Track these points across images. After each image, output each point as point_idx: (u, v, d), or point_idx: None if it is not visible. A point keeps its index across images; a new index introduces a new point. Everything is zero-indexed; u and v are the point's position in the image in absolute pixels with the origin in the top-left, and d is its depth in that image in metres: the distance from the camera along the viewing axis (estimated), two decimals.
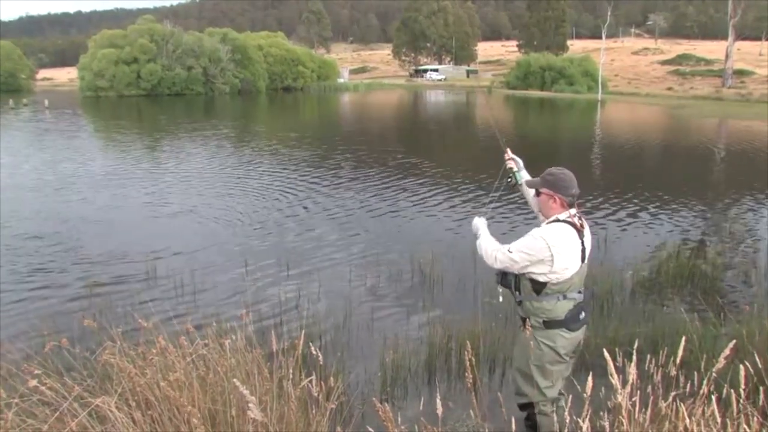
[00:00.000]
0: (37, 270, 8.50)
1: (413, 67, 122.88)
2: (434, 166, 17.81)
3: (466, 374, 3.12)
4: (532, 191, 3.93)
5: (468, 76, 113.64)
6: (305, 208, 12.55)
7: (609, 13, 71.25)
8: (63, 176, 16.38)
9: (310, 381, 3.25)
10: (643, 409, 3.06)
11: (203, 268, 8.50)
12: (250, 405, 2.70)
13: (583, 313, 3.72)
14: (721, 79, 72.35)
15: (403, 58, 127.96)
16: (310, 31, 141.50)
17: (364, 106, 56.47)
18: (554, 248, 3.50)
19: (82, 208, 12.67)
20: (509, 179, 4.15)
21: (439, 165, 18.13)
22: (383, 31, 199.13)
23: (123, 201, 13.31)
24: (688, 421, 2.88)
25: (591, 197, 13.06)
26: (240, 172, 17.23)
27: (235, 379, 2.91)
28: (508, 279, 3.80)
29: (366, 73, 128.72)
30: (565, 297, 3.63)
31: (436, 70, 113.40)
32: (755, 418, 3.01)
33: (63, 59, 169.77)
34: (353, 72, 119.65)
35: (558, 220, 3.64)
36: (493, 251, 3.73)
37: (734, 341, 3.24)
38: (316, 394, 3.25)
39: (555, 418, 3.78)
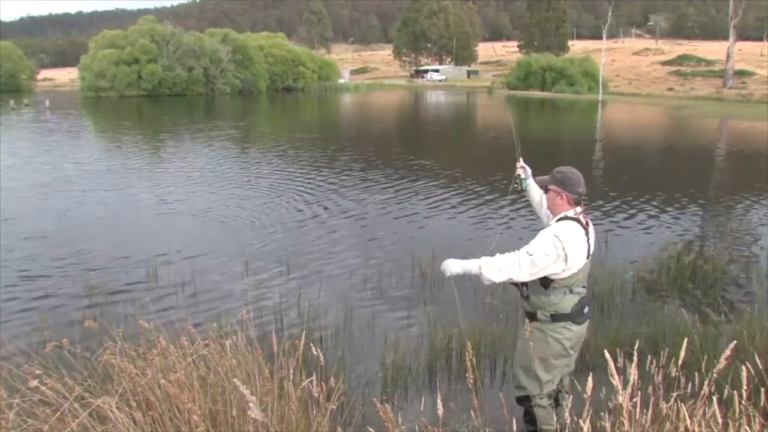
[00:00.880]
0: (38, 270, 8.51)
1: (414, 68, 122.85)
2: (435, 167, 17.81)
3: (467, 375, 3.12)
4: (537, 196, 4.10)
5: (469, 77, 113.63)
6: (306, 208, 12.54)
7: (610, 14, 71.15)
8: (64, 177, 16.40)
9: (311, 381, 3.25)
10: (644, 410, 3.06)
11: (204, 269, 8.51)
12: (251, 405, 2.70)
13: (587, 308, 3.82)
14: (722, 79, 72.24)
15: (404, 58, 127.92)
16: (311, 31, 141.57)
17: (365, 107, 56.46)
18: (567, 246, 3.58)
19: (83, 208, 12.68)
20: (516, 184, 4.37)
21: (440, 165, 18.13)
22: (384, 31, 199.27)
23: (124, 201, 13.32)
24: (689, 422, 2.88)
25: (592, 197, 13.04)
26: (242, 173, 17.23)
27: (235, 380, 2.90)
28: None
29: (367, 73, 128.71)
30: (571, 291, 3.72)
31: (436, 71, 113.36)
32: (757, 419, 3.01)
33: (64, 60, 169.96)
34: (354, 72, 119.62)
35: (566, 218, 3.74)
36: (509, 260, 3.57)
37: (735, 342, 3.23)
38: (316, 395, 3.25)
39: (552, 411, 3.82)
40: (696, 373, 3.35)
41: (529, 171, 4.44)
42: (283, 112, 49.04)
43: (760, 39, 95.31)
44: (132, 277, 8.15)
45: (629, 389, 2.95)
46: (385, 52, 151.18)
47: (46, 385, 3.07)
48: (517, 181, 4.37)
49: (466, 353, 3.21)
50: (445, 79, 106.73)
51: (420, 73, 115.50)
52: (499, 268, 3.57)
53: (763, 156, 20.81)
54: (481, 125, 37.51)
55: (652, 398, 3.13)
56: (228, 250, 9.52)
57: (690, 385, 3.27)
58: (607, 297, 7.06)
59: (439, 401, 2.86)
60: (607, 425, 3.02)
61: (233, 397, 3.21)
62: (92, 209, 12.56)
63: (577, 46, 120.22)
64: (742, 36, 72.03)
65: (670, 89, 72.16)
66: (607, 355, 3.04)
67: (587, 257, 3.76)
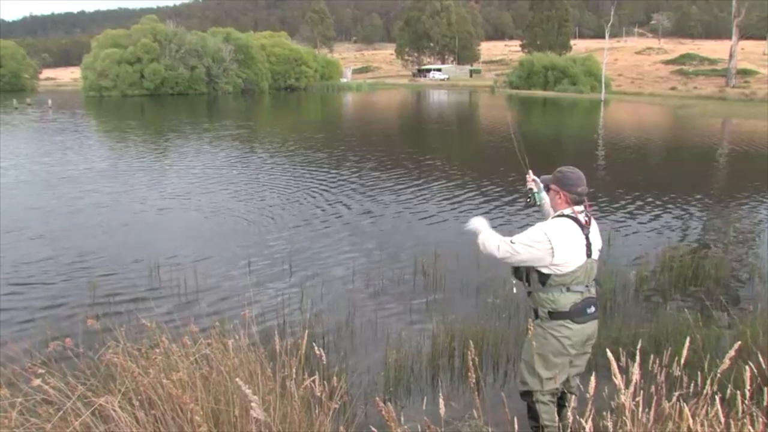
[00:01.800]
0: (41, 269, 8.52)
1: (416, 67, 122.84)
2: (438, 166, 17.82)
3: (469, 374, 3.12)
4: (550, 211, 4.08)
5: (471, 76, 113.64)
6: (308, 208, 12.54)
7: (612, 13, 71.01)
8: (68, 176, 16.42)
9: (313, 380, 3.25)
10: (647, 410, 3.05)
11: (206, 268, 8.51)
12: (253, 404, 2.70)
13: (592, 308, 3.81)
14: (725, 78, 72.13)
15: (406, 57, 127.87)
16: (314, 30, 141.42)
17: (368, 107, 56.48)
18: (554, 241, 3.62)
19: (86, 208, 12.69)
20: (528, 199, 4.32)
21: (443, 165, 18.13)
22: (386, 30, 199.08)
23: (128, 201, 13.33)
24: (691, 421, 2.88)
25: (595, 197, 13.03)
26: (244, 172, 17.25)
27: (238, 379, 2.90)
28: (520, 271, 3.91)
29: (369, 72, 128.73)
30: (569, 289, 3.73)
31: (439, 70, 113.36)
32: (760, 419, 3.01)
33: (66, 59, 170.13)
34: (356, 72, 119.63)
35: (562, 215, 3.78)
36: (496, 242, 3.81)
37: (739, 343, 3.22)
38: (319, 394, 3.25)
39: (554, 408, 3.82)
40: (698, 373, 3.35)
41: (542, 184, 4.33)
42: (287, 112, 49.10)
43: (762, 38, 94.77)
44: (135, 277, 8.16)
45: (632, 388, 2.94)
46: (388, 52, 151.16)
47: (49, 384, 3.08)
48: (530, 195, 4.29)
49: (468, 352, 3.21)
50: (448, 79, 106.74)
51: (422, 73, 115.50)
52: (483, 243, 3.88)
53: (766, 156, 20.76)
54: (484, 125, 37.49)
55: (655, 398, 3.12)
56: (230, 250, 9.53)
57: (692, 384, 3.27)
58: (610, 296, 7.06)
59: (441, 400, 2.86)
60: (610, 424, 3.02)
61: (236, 397, 3.21)
62: (95, 209, 12.57)
63: (580, 46, 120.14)
64: (745, 35, 71.75)
65: (673, 88, 72.13)
66: (609, 354, 3.04)
67: (588, 256, 3.75)
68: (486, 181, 15.28)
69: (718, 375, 3.09)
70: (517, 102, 59.36)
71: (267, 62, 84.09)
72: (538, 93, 70.48)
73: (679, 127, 34.84)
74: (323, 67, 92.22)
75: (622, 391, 2.92)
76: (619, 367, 2.96)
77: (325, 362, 3.44)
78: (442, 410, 2.83)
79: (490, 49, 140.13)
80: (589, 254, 3.75)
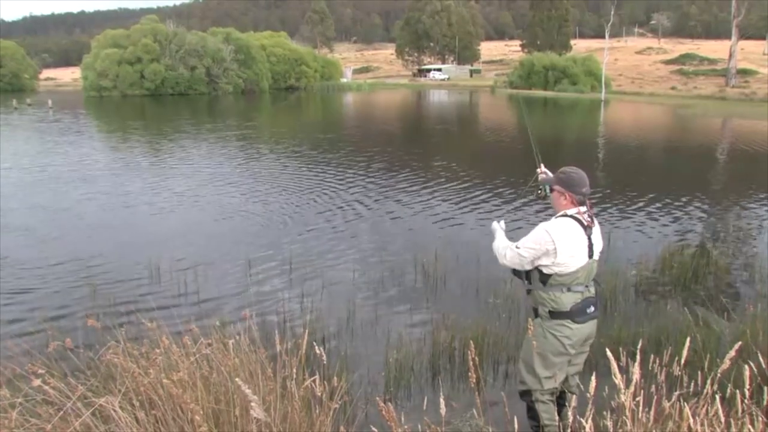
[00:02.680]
0: (42, 270, 8.51)
1: (416, 67, 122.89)
2: (438, 167, 17.81)
3: (470, 374, 3.12)
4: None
5: (471, 76, 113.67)
6: (309, 208, 12.55)
7: (612, 13, 71.11)
8: (68, 177, 16.42)
9: (314, 381, 3.25)
10: (647, 409, 3.05)
11: (207, 268, 8.51)
12: (253, 404, 2.70)
13: (592, 308, 3.83)
14: (725, 78, 72.16)
15: (407, 57, 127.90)
16: (314, 30, 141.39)
17: (369, 106, 56.49)
18: (557, 241, 3.65)
19: (87, 208, 12.70)
20: (540, 191, 4.29)
21: (443, 165, 18.12)
22: (386, 30, 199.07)
23: (128, 201, 13.32)
24: (691, 420, 2.88)
25: (595, 197, 13.04)
26: (244, 173, 17.26)
27: (238, 379, 2.90)
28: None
29: (369, 72, 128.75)
30: (569, 289, 3.75)
31: (439, 70, 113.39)
32: (759, 419, 3.01)
33: (66, 59, 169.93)
34: (356, 72, 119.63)
35: (566, 215, 3.79)
36: (503, 249, 3.92)
37: (740, 343, 3.23)
38: (319, 394, 3.25)
39: (553, 407, 3.82)
40: (698, 372, 3.35)
41: (552, 176, 4.38)
42: (288, 113, 49.07)
43: (762, 38, 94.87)
44: (135, 277, 8.15)
45: (632, 388, 2.94)
46: (388, 52, 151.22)
47: (49, 385, 3.08)
48: (540, 187, 4.29)
49: (469, 352, 3.22)
50: (448, 79, 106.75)
51: (422, 73, 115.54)
52: (494, 247, 4.06)
53: (766, 155, 20.76)
54: (485, 125, 37.51)
55: (655, 397, 3.13)
56: (231, 250, 9.53)
57: (692, 384, 3.27)
58: (610, 296, 7.06)
59: (441, 400, 2.86)
60: (610, 424, 3.02)
61: (236, 397, 3.22)
62: (96, 209, 12.58)
63: (580, 45, 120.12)
64: (745, 35, 71.80)
65: (673, 88, 72.14)
66: (609, 354, 3.04)
67: (589, 256, 3.77)
68: (487, 181, 15.28)
69: (719, 375, 3.09)
70: (518, 102, 59.35)
71: (267, 62, 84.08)
72: (539, 93, 70.46)
73: (679, 127, 34.84)
74: (323, 67, 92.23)
75: (623, 390, 2.92)
76: (619, 366, 2.96)
77: (325, 362, 3.44)
78: (443, 410, 2.84)
79: (490, 49, 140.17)
80: (590, 255, 3.77)
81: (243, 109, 51.35)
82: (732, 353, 3.05)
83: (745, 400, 3.00)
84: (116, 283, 7.93)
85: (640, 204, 12.77)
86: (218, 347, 3.63)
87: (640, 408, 3.01)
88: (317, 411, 3.34)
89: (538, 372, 3.84)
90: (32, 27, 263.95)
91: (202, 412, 2.94)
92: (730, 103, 53.61)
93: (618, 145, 25.07)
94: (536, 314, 3.88)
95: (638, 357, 3.11)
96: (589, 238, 3.76)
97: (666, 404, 3.10)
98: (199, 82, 75.28)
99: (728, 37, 74.04)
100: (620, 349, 3.91)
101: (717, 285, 7.62)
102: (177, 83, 74.09)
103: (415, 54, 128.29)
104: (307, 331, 3.99)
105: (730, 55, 70.69)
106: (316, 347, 3.48)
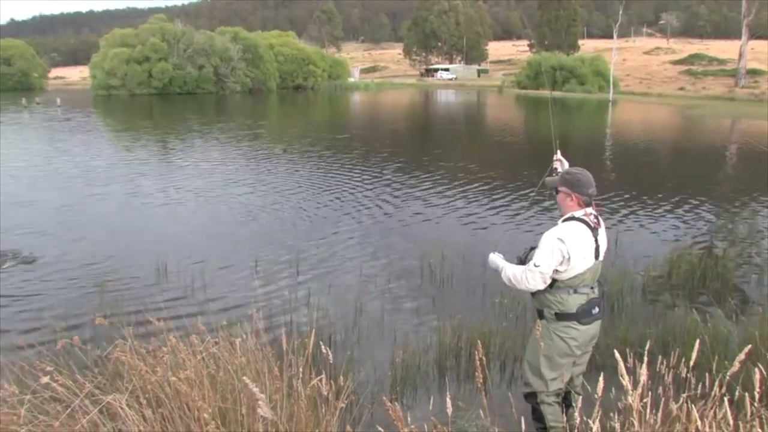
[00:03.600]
0: (49, 268, 8.55)
1: (424, 67, 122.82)
2: (446, 167, 17.79)
3: (476, 374, 3.11)
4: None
5: (479, 76, 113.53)
6: (315, 208, 12.55)
7: (621, 13, 70.69)
8: (77, 175, 16.50)
9: (320, 380, 3.25)
10: (654, 411, 3.04)
11: (213, 267, 8.53)
12: (260, 403, 2.71)
13: (597, 309, 3.81)
14: (734, 78, 71.74)
15: (414, 57, 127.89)
16: (321, 30, 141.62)
17: (377, 106, 56.49)
18: (569, 246, 3.63)
19: (96, 206, 12.76)
20: (554, 177, 4.29)
21: (450, 165, 18.10)
22: (394, 30, 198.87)
23: (137, 200, 13.37)
24: (699, 423, 2.86)
25: (602, 197, 12.99)
26: (252, 173, 17.28)
27: (245, 377, 2.91)
28: None
29: (377, 72, 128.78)
30: (576, 291, 3.74)
31: (447, 70, 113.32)
32: None
33: (75, 58, 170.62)
34: (364, 71, 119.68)
35: (573, 218, 3.76)
36: (520, 274, 3.80)
37: (750, 346, 3.21)
38: (325, 393, 3.25)
39: (559, 409, 3.82)
40: (706, 374, 3.34)
41: (566, 164, 4.40)
42: (296, 112, 49.12)
43: None
44: (143, 276, 8.18)
45: (639, 389, 2.93)
46: (395, 51, 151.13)
47: (57, 382, 3.09)
48: (554, 174, 4.31)
49: (476, 352, 3.21)
50: (455, 78, 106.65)
51: (430, 72, 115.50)
52: (509, 277, 3.87)
53: None
54: (492, 125, 37.47)
55: (663, 399, 3.11)
56: (238, 249, 9.54)
57: (700, 386, 3.25)
58: (617, 297, 7.04)
59: (448, 400, 2.86)
60: (617, 426, 3.01)
61: (243, 395, 3.22)
62: (105, 208, 12.63)
63: (588, 45, 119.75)
64: (755, 35, 71.29)
65: (681, 89, 71.79)
66: (617, 355, 3.03)
67: (595, 258, 3.76)
68: (494, 182, 15.26)
69: (728, 377, 3.08)
70: (525, 102, 59.26)
71: (275, 62, 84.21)
72: (546, 93, 70.22)
73: (687, 128, 34.69)
74: (331, 67, 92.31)
75: (630, 391, 2.91)
76: (626, 368, 2.95)
77: (331, 361, 3.44)
78: (450, 410, 2.83)
79: (498, 49, 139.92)
80: (596, 256, 3.77)
81: (251, 108, 51.41)
82: (742, 356, 3.03)
83: (754, 403, 2.99)
84: (124, 282, 7.95)
85: (648, 205, 12.72)
86: (225, 346, 3.64)
87: (648, 410, 3.00)
88: (323, 410, 3.35)
89: (543, 374, 3.84)
90: (42, 26, 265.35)
91: (210, 411, 2.94)
92: (739, 104, 53.33)
93: (626, 146, 24.98)
94: (541, 316, 3.87)
95: (645, 358, 3.09)
96: (596, 240, 3.75)
97: (673, 406, 3.09)
98: (206, 81, 75.48)
99: (738, 37, 73.66)
100: (627, 350, 3.90)
101: (725, 287, 7.57)
102: (185, 82, 74.32)
103: (423, 54, 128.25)
104: (313, 330, 3.99)
105: (740, 55, 70.28)
106: (323, 346, 3.48)
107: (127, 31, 77.14)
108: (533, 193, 12.14)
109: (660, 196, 13.50)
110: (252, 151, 21.97)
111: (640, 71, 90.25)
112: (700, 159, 21.85)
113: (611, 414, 3.08)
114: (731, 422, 2.87)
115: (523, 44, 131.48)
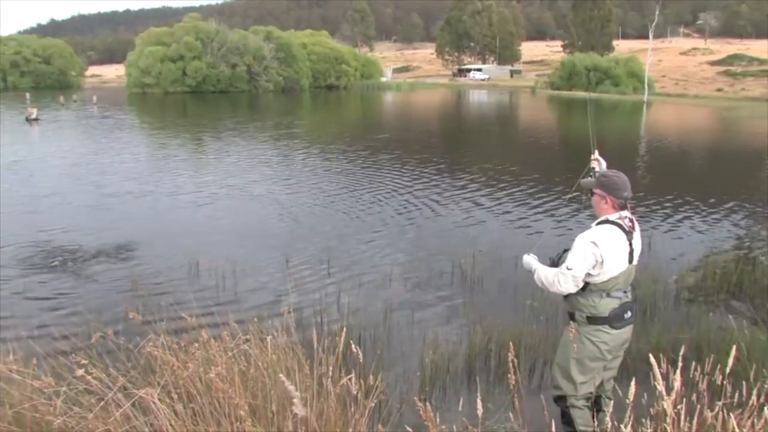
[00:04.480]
0: (86, 264, 8.71)
1: (456, 67, 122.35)
2: (479, 168, 17.70)
3: (508, 375, 3.09)
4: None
5: (512, 76, 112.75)
6: (349, 207, 12.59)
7: (657, 12, 69.52)
8: (115, 171, 16.79)
9: (350, 379, 3.26)
10: (689, 418, 2.98)
11: (245, 264, 8.60)
12: (295, 401, 2.72)
13: (629, 313, 3.75)
14: None
15: (447, 57, 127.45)
16: (354, 29, 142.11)
17: (409, 106, 56.47)
18: (603, 250, 3.57)
19: (131, 203, 12.97)
20: (590, 176, 4.27)
21: (484, 166, 18.01)
22: (426, 30, 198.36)
23: (172, 197, 13.57)
24: None
25: (636, 200, 12.79)
26: (285, 171, 17.41)
27: (281, 375, 2.93)
28: None
29: (409, 72, 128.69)
30: (608, 295, 3.68)
31: (479, 70, 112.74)
32: None
33: (111, 56, 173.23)
34: (396, 71, 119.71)
35: (607, 221, 3.71)
36: (552, 277, 3.74)
37: None
38: (355, 392, 3.26)
39: (589, 413, 3.77)
40: (743, 382, 3.26)
41: (604, 164, 4.33)
42: (330, 111, 49.32)
43: None
44: (176, 272, 8.29)
45: (673, 395, 2.88)
46: (428, 51, 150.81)
47: (92, 375, 3.14)
48: (592, 173, 4.25)
49: (508, 354, 3.19)
50: (488, 79, 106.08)
51: (463, 72, 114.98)
52: (541, 279, 3.81)
53: None
54: (526, 126, 37.18)
55: (698, 406, 3.05)
56: (270, 247, 9.62)
57: (737, 394, 3.18)
58: (650, 301, 6.92)
59: (479, 401, 2.84)
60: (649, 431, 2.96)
61: (273, 393, 3.24)
62: (139, 205, 12.83)
63: (623, 46, 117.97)
64: None
65: (719, 90, 70.41)
66: (652, 359, 2.98)
67: (629, 262, 3.70)
68: (529, 183, 15.14)
69: (766, 386, 3.01)
70: (558, 103, 58.70)
71: (308, 61, 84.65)
72: (580, 94, 69.49)
73: (725, 130, 34.03)
74: (363, 66, 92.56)
75: (664, 397, 2.86)
76: (660, 373, 2.90)
77: (361, 361, 3.44)
78: (480, 411, 2.82)
79: (531, 50, 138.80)
80: (630, 260, 3.71)
81: (285, 106, 51.72)
82: None
83: None
84: (157, 278, 8.07)
85: (683, 208, 12.51)
86: (256, 343, 3.66)
87: (682, 417, 2.94)
88: (353, 409, 3.35)
89: (574, 377, 3.79)
90: (80, 26, 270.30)
91: (246, 408, 2.96)
92: None
93: (661, 148, 24.59)
94: (572, 319, 3.82)
95: (679, 364, 3.04)
96: (630, 244, 3.68)
97: (708, 414, 3.03)
98: (239, 79, 76.21)
99: None
100: (660, 355, 3.83)
101: (762, 294, 7.40)
102: (218, 81, 75.16)
103: (456, 54, 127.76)
104: (344, 329, 3.99)
105: None
106: (353, 345, 3.48)
107: (163, 29, 78.32)
108: (569, 195, 12.03)
109: (695, 199, 13.26)
110: (289, 150, 22.09)
111: (676, 72, 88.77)
112: (737, 162, 21.41)
113: (643, 420, 3.04)
114: None
115: (556, 45, 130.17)
